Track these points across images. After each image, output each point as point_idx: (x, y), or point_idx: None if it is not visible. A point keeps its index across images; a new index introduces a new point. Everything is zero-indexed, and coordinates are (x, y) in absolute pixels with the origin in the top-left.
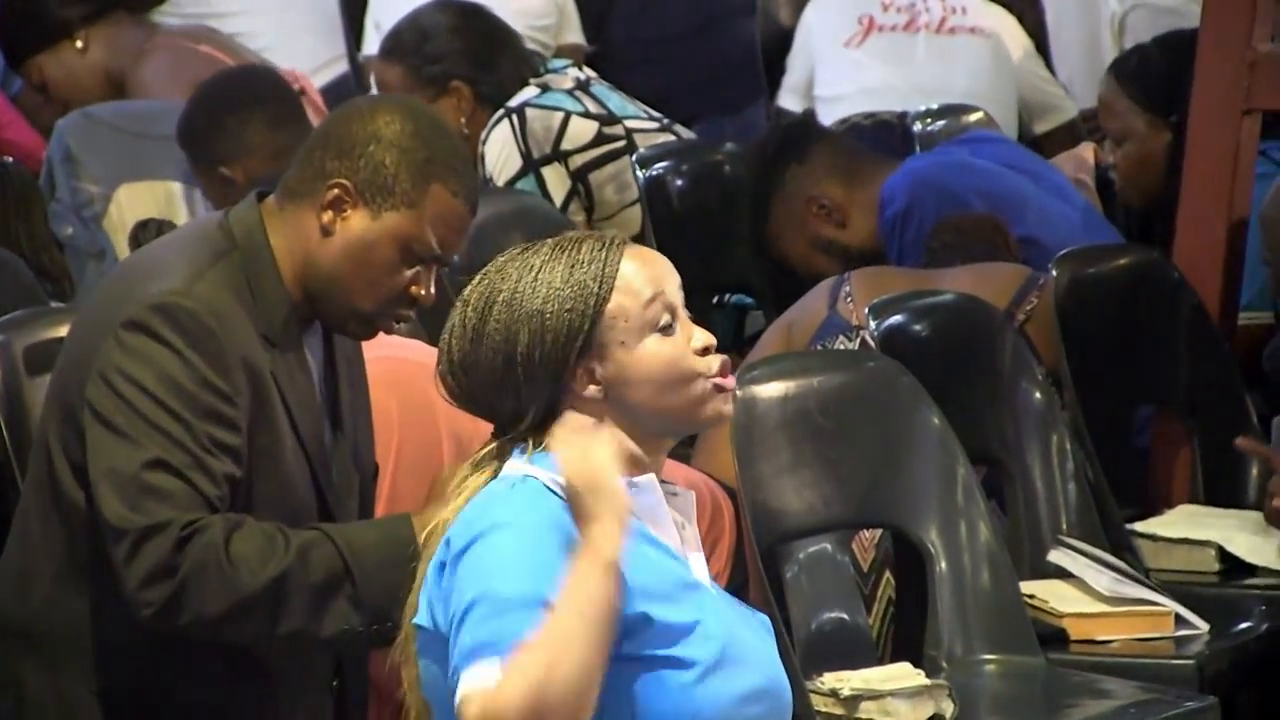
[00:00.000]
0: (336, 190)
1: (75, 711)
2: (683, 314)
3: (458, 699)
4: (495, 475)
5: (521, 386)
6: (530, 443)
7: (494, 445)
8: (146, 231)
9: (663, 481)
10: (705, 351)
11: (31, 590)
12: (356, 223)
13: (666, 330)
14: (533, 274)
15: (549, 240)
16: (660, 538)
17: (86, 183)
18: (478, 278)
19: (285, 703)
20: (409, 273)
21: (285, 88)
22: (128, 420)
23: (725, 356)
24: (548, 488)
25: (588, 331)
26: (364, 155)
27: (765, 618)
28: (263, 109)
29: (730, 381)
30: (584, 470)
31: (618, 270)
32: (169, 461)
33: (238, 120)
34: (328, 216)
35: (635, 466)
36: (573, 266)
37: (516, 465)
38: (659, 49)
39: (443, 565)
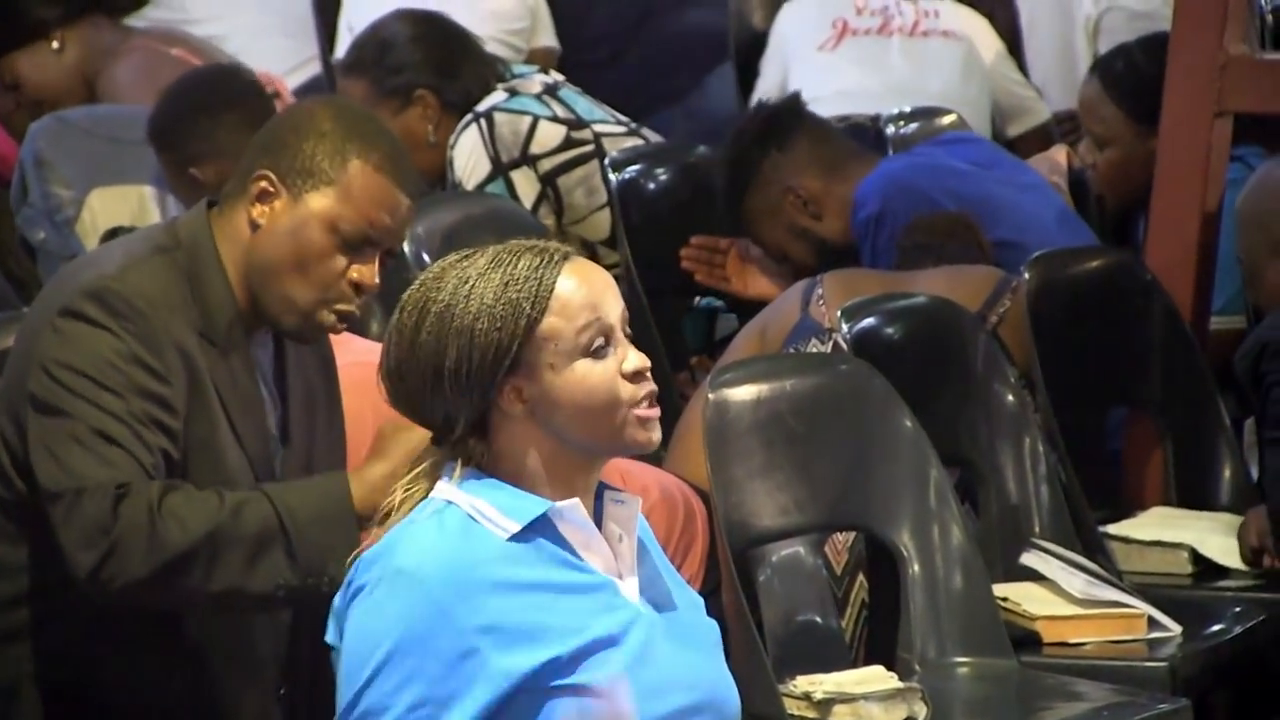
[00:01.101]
0: (261, 182)
1: (15, 701)
2: (619, 334)
3: None
4: (429, 491)
5: (449, 399)
6: (460, 462)
7: (429, 462)
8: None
9: (609, 488)
10: (636, 375)
11: None
12: (282, 211)
13: (598, 354)
14: (467, 287)
15: (490, 248)
16: (587, 560)
17: (59, 187)
18: (416, 282)
19: (227, 701)
20: (344, 259)
21: (259, 90)
22: (63, 400)
23: (652, 386)
24: (470, 516)
25: (516, 351)
26: (285, 145)
27: (714, 626)
28: (235, 111)
29: (652, 412)
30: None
31: (553, 290)
32: (103, 430)
33: (210, 121)
34: (256, 210)
35: (565, 487)
36: (507, 283)
37: (443, 487)
38: (602, 46)
39: (348, 587)
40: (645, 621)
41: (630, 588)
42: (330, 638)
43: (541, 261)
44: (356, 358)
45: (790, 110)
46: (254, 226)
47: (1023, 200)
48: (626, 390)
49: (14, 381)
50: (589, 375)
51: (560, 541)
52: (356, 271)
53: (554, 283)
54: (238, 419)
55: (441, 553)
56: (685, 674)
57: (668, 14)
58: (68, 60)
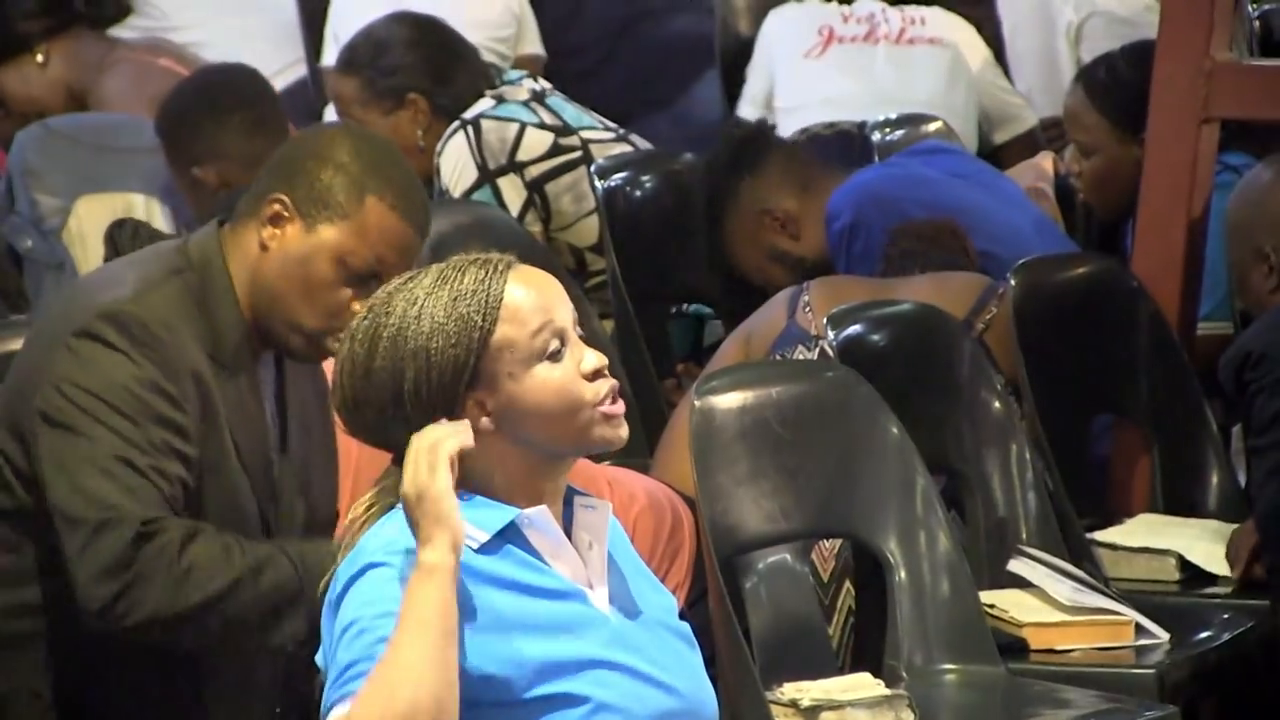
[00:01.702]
0: (275, 206)
1: (13, 712)
2: (573, 336)
3: None
4: (393, 505)
5: (411, 421)
6: None
7: (387, 483)
8: (123, 231)
9: (579, 493)
10: (595, 375)
11: None
12: (293, 237)
13: (555, 357)
14: (416, 308)
15: (433, 267)
16: (555, 568)
17: (45, 195)
18: (364, 310)
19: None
20: (348, 291)
21: (267, 94)
22: (81, 423)
23: (614, 381)
24: None
25: (474, 365)
26: (302, 172)
27: (687, 630)
28: (242, 114)
29: (617, 408)
30: (415, 483)
31: (502, 299)
32: (125, 458)
33: (215, 123)
34: (267, 232)
35: (531, 495)
36: (455, 298)
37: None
38: (588, 53)
39: (329, 610)
40: (615, 629)
41: (600, 597)
42: (320, 658)
43: (487, 273)
44: None
45: (758, 134)
46: (263, 248)
47: (999, 210)
48: (588, 390)
49: (16, 395)
50: (549, 379)
51: (529, 550)
52: (359, 304)
53: (502, 292)
54: (241, 439)
55: (408, 543)
56: (659, 681)
57: (653, 20)
58: (53, 74)
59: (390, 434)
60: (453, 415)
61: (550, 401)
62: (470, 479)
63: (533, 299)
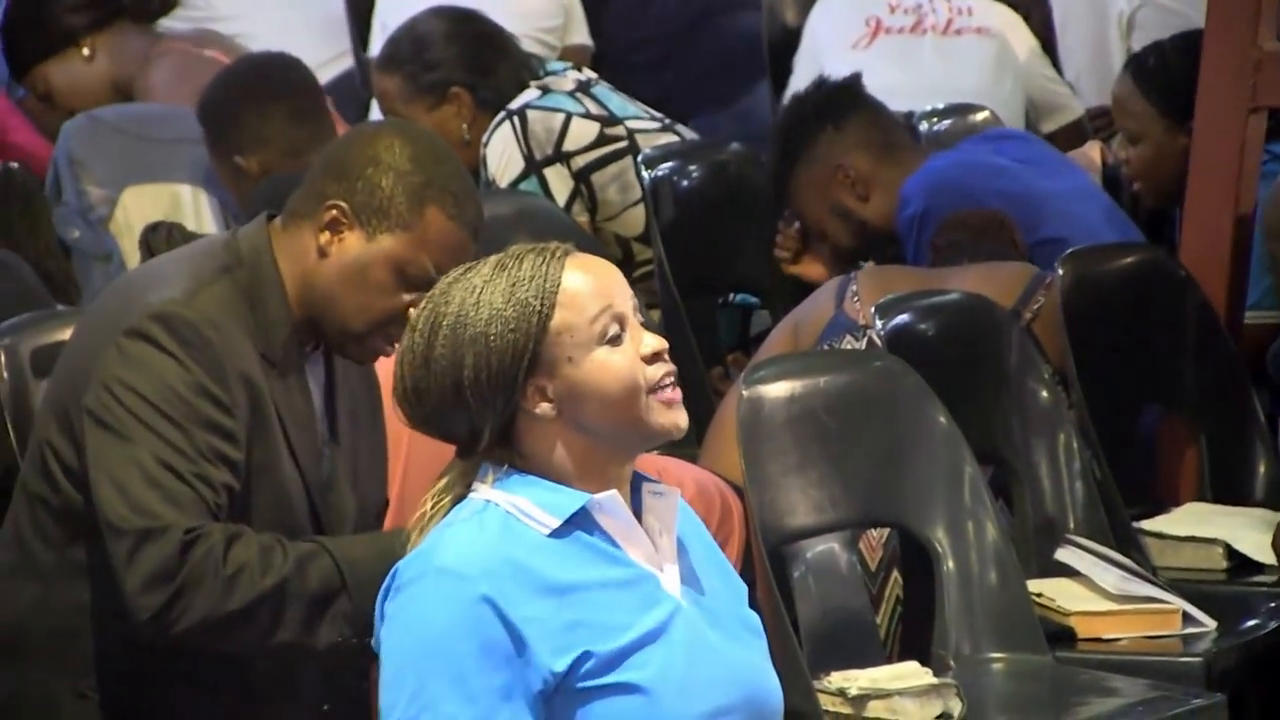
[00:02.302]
0: (334, 212)
1: (55, 712)
2: (632, 320)
3: None
4: (464, 495)
5: (472, 409)
6: (493, 462)
7: (456, 471)
8: (156, 234)
9: (647, 479)
10: (654, 358)
11: (21, 592)
12: (352, 244)
13: (614, 341)
14: (475, 295)
15: (491, 258)
16: (628, 552)
17: (92, 185)
18: (424, 302)
19: (270, 718)
20: (406, 296)
21: (310, 83)
22: (128, 426)
23: (671, 366)
24: (509, 514)
25: (533, 350)
26: (361, 178)
27: (756, 622)
28: (284, 103)
29: (674, 394)
30: None
31: (559, 285)
32: (170, 464)
33: (257, 112)
34: (324, 237)
35: (598, 482)
36: (514, 285)
37: (480, 489)
38: (654, 47)
39: (387, 591)
40: (686, 616)
41: (671, 581)
42: (376, 641)
43: (544, 260)
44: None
45: (849, 89)
46: (321, 253)
47: (1069, 197)
48: (646, 373)
49: (66, 391)
50: (608, 362)
51: (600, 534)
52: (414, 310)
53: (560, 277)
54: (293, 435)
55: (483, 549)
56: (727, 669)
57: (722, 17)
58: (98, 68)
59: (452, 424)
60: (513, 403)
61: (610, 385)
62: (533, 463)
63: (591, 284)
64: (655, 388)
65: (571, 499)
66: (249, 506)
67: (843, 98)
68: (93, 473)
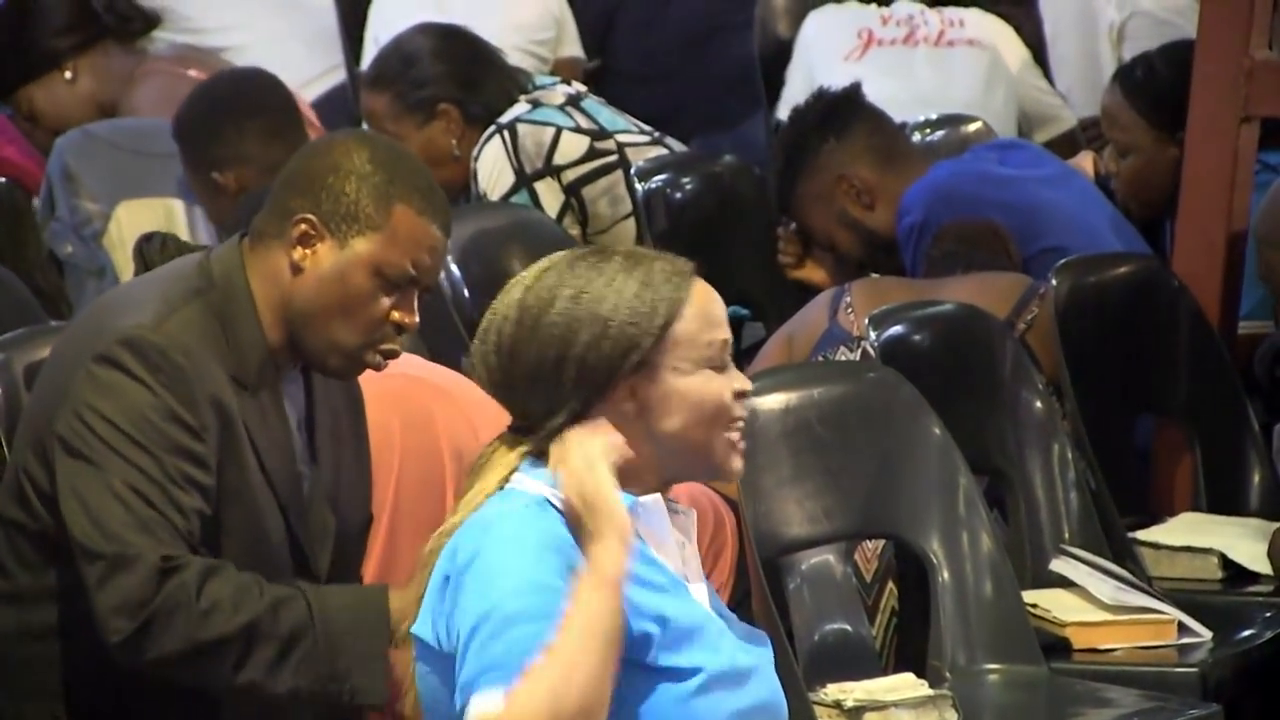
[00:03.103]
0: (303, 225)
1: None
2: (729, 358)
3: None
4: (504, 484)
5: (564, 386)
6: (539, 454)
7: (505, 452)
8: (151, 244)
9: (667, 499)
10: (741, 396)
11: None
12: (325, 255)
13: (720, 368)
14: (604, 278)
15: (621, 249)
16: (661, 558)
17: (85, 200)
18: (540, 266)
19: None
20: (387, 300)
21: (287, 99)
22: (98, 452)
23: (745, 413)
24: (550, 504)
25: (646, 349)
26: (325, 188)
27: (764, 636)
28: (262, 119)
29: (742, 443)
30: (583, 489)
31: (689, 298)
32: (140, 491)
33: (235, 128)
34: (297, 253)
35: (642, 486)
36: (646, 283)
37: (522, 479)
38: (656, 66)
39: (447, 579)
40: (716, 622)
41: (699, 592)
42: (420, 628)
43: (676, 270)
44: (388, 368)
45: (850, 99)
46: (295, 269)
47: (1075, 207)
48: (735, 408)
49: (39, 415)
50: (709, 384)
51: (638, 538)
52: (398, 312)
53: (690, 291)
54: (267, 460)
55: (539, 527)
56: (753, 675)
57: (728, 38)
58: (81, 89)
59: (532, 395)
60: (602, 394)
61: (703, 404)
62: None
63: (714, 310)
64: (732, 424)
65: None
66: (221, 530)
67: (843, 108)
68: (63, 498)
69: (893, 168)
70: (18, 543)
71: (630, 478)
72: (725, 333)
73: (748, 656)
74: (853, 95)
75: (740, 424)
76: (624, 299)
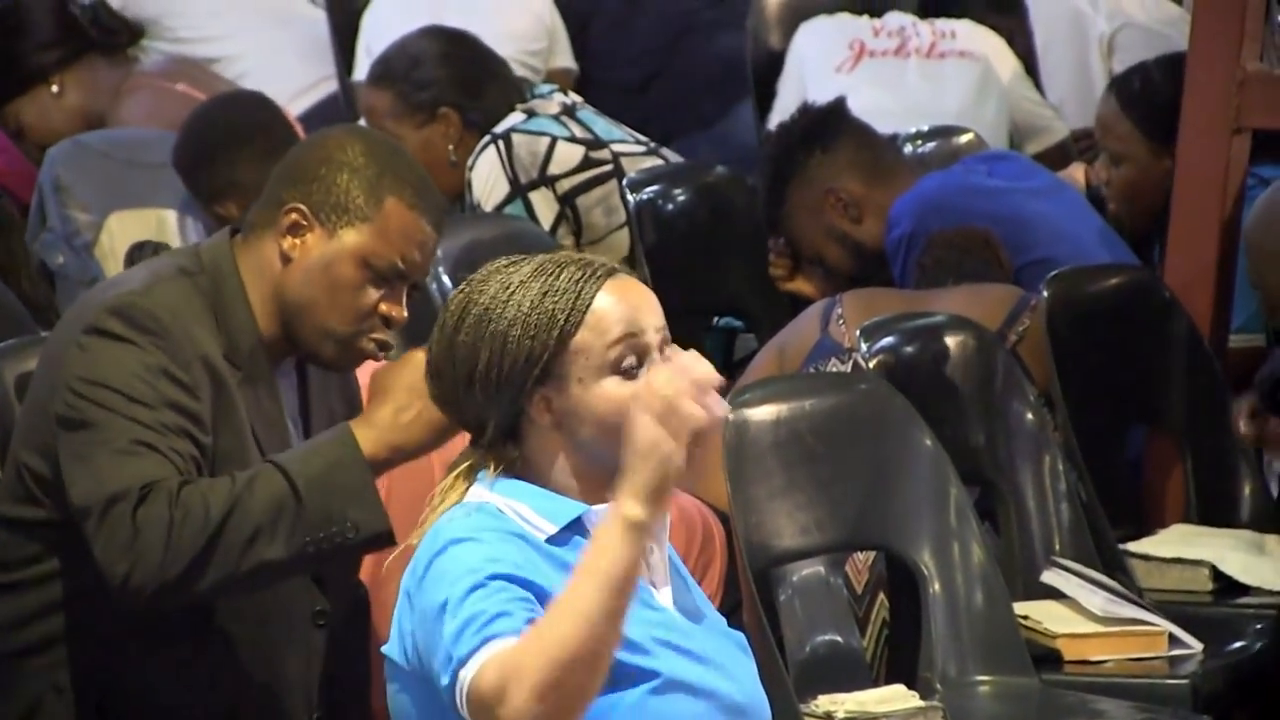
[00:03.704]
0: (293, 215)
1: (36, 712)
2: (654, 355)
3: (468, 676)
4: (466, 493)
5: (480, 401)
6: (493, 466)
7: (465, 464)
8: (142, 253)
9: None
10: None
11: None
12: (314, 245)
13: (629, 373)
14: (507, 292)
15: (537, 257)
16: None
17: (77, 210)
18: (465, 282)
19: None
20: (376, 292)
21: (274, 117)
22: (91, 415)
23: None
24: (504, 514)
25: (546, 361)
26: (317, 178)
27: (741, 638)
28: (251, 145)
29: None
30: (654, 440)
31: (590, 304)
32: (137, 438)
33: (226, 159)
34: (287, 242)
35: (594, 497)
36: (546, 293)
37: (479, 491)
38: (634, 69)
39: (408, 594)
40: (680, 627)
41: (664, 597)
42: (390, 648)
43: (583, 275)
44: (376, 365)
45: (835, 112)
46: (285, 259)
47: (1063, 219)
48: None
49: (38, 407)
50: (615, 395)
51: None
52: (386, 305)
53: (592, 297)
54: (261, 433)
55: (489, 525)
56: (725, 679)
57: (701, 38)
58: (68, 103)
59: (463, 410)
60: (518, 406)
61: (611, 417)
62: (531, 470)
63: (620, 310)
64: None
65: (569, 507)
66: None
67: (830, 121)
68: (66, 467)
69: (880, 180)
70: (22, 539)
71: (580, 489)
72: (636, 331)
73: (722, 660)
74: (838, 109)
75: None
76: (522, 312)
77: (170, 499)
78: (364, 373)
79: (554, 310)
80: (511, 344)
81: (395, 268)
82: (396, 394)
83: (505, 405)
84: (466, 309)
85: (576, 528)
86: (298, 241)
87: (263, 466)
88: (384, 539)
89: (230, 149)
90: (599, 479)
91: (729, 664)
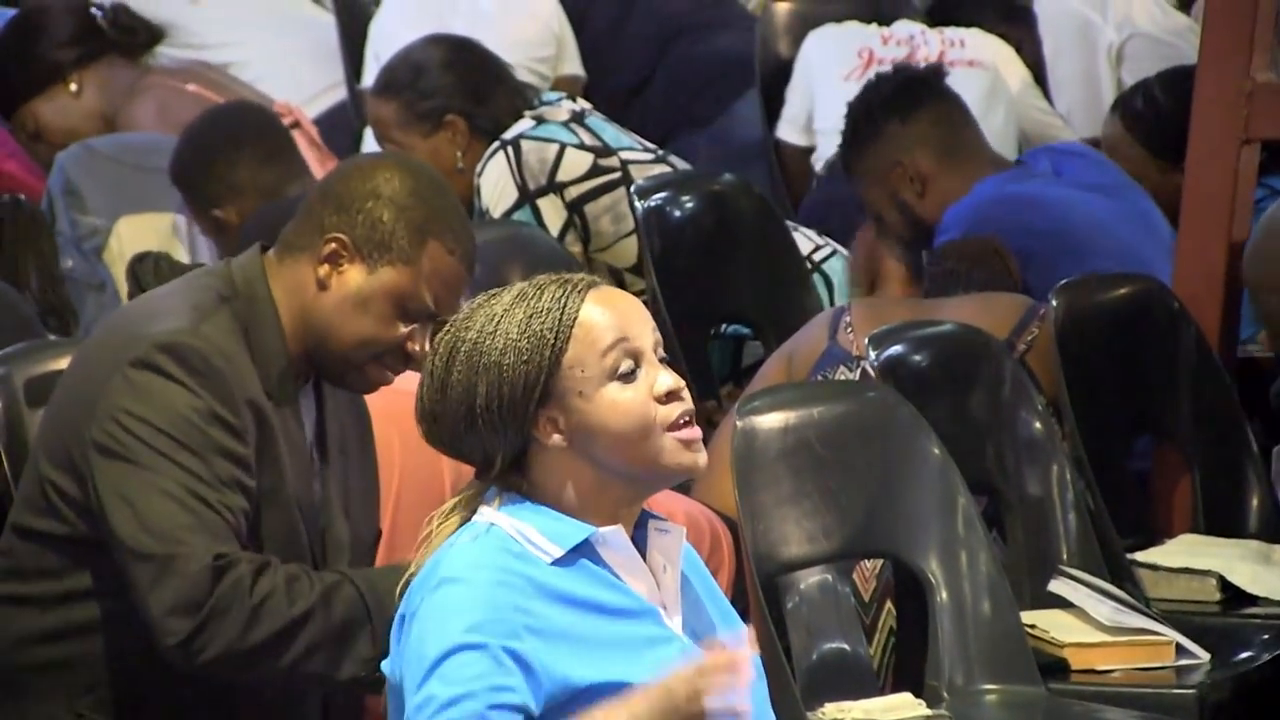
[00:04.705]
0: (334, 245)
1: None
2: (650, 357)
3: None
4: (465, 521)
5: (484, 436)
6: (499, 488)
7: (466, 494)
8: (144, 264)
9: (654, 517)
10: (669, 396)
11: (14, 623)
12: (353, 277)
13: (627, 378)
14: (493, 324)
15: (516, 285)
16: (632, 586)
17: (86, 215)
18: (447, 326)
19: None
20: (405, 328)
21: (271, 124)
22: (143, 456)
23: (688, 405)
24: (510, 537)
25: (544, 383)
26: (362, 211)
27: (757, 664)
28: (248, 150)
29: (692, 433)
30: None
31: (575, 319)
32: (189, 488)
33: (225, 163)
34: (324, 270)
35: (606, 517)
36: (530, 316)
37: (485, 512)
38: (629, 71)
39: (403, 618)
40: (685, 652)
41: (674, 616)
42: (386, 666)
43: (565, 292)
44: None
45: (925, 83)
46: (321, 285)
47: (1118, 227)
48: (660, 412)
49: (65, 425)
50: (618, 400)
51: (604, 567)
52: (411, 343)
53: (577, 311)
54: (290, 468)
55: (487, 561)
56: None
57: (694, 38)
58: (86, 102)
59: (466, 448)
60: (525, 432)
61: (619, 422)
62: (541, 493)
63: (607, 319)
64: (671, 426)
65: (576, 529)
66: (260, 533)
67: (917, 90)
68: (106, 500)
69: (952, 160)
70: (41, 551)
71: (592, 509)
72: (628, 335)
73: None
74: (929, 78)
75: (681, 420)
76: (510, 340)
77: (247, 584)
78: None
79: (541, 331)
80: (507, 371)
81: (427, 309)
82: None
83: (511, 434)
84: (455, 348)
85: (584, 549)
86: (335, 271)
87: (342, 580)
88: None
89: (230, 151)
90: (611, 495)
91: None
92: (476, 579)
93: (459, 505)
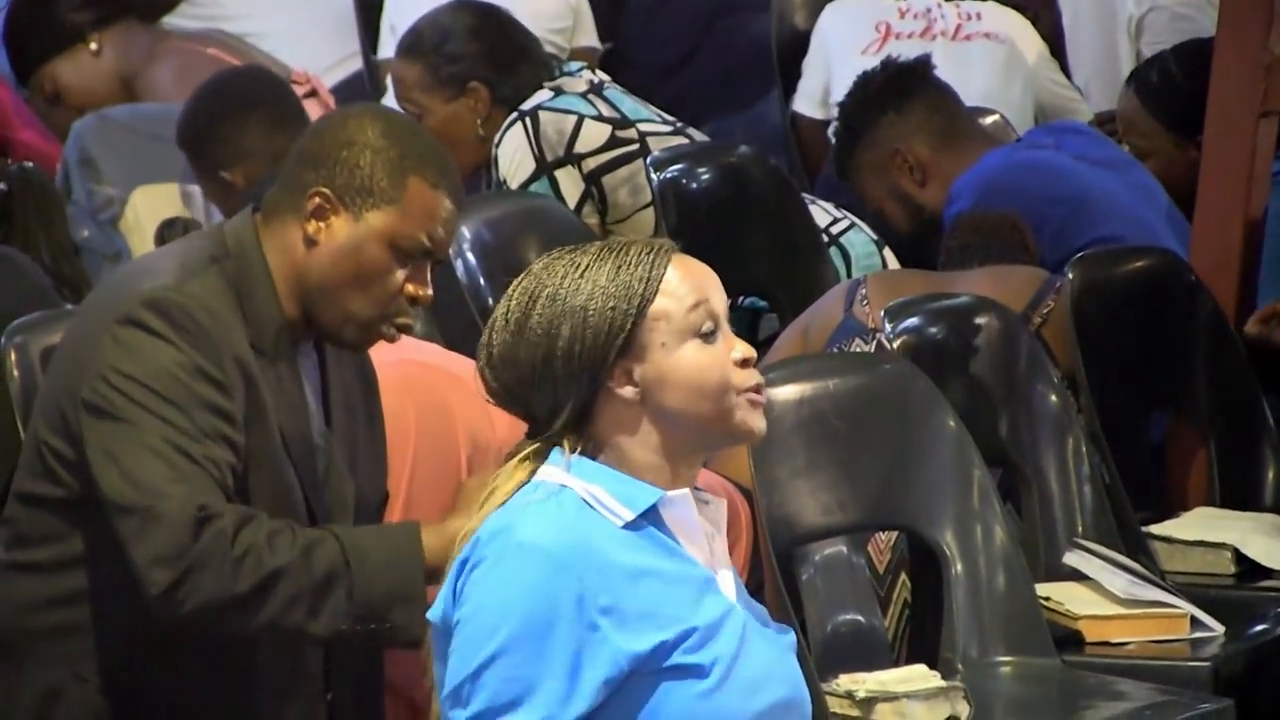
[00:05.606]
0: (317, 199)
1: (59, 700)
2: (725, 325)
3: None
4: (533, 474)
5: (559, 382)
6: (568, 445)
7: (530, 447)
8: (173, 230)
9: (696, 489)
10: (745, 363)
11: (18, 589)
12: (340, 228)
13: (708, 337)
14: (579, 271)
15: (597, 243)
16: (689, 551)
17: (102, 185)
18: (524, 274)
19: (272, 705)
20: (402, 272)
21: (282, 89)
22: (128, 411)
23: (761, 378)
24: (585, 502)
25: (629, 330)
26: (339, 161)
27: (790, 633)
28: (259, 112)
29: (762, 399)
30: None
31: (664, 274)
32: (175, 444)
33: (234, 125)
34: (312, 226)
35: (668, 478)
36: (619, 268)
37: (553, 471)
38: (668, 50)
39: (464, 563)
40: (740, 617)
41: (727, 584)
42: (434, 613)
43: (651, 251)
44: (404, 354)
45: (915, 73)
46: (310, 242)
47: (1126, 196)
48: (737, 375)
49: (60, 387)
50: (700, 356)
51: (665, 531)
52: (413, 286)
53: (665, 267)
54: (285, 426)
55: (565, 529)
56: (777, 670)
57: (735, 21)
58: (106, 64)
59: (533, 397)
60: (599, 381)
61: (699, 377)
62: (605, 450)
63: (693, 279)
64: (744, 389)
65: (646, 493)
66: (248, 491)
67: (908, 80)
68: (96, 461)
69: (949, 147)
70: (42, 516)
71: (655, 468)
72: (710, 298)
73: (772, 653)
74: (919, 68)
75: (753, 386)
76: (599, 286)
77: (229, 531)
78: (389, 349)
79: (631, 281)
80: (593, 315)
81: (421, 246)
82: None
83: (586, 382)
84: (535, 294)
85: (648, 515)
86: (322, 225)
87: (325, 535)
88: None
89: (238, 115)
90: (678, 456)
91: (783, 658)
92: (556, 550)
93: (521, 464)
